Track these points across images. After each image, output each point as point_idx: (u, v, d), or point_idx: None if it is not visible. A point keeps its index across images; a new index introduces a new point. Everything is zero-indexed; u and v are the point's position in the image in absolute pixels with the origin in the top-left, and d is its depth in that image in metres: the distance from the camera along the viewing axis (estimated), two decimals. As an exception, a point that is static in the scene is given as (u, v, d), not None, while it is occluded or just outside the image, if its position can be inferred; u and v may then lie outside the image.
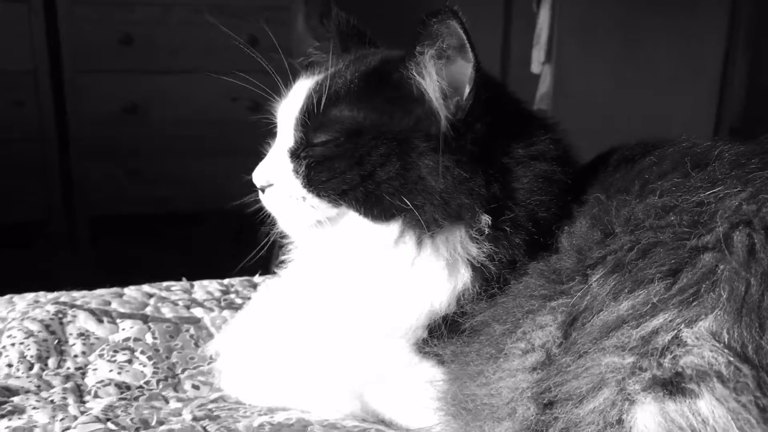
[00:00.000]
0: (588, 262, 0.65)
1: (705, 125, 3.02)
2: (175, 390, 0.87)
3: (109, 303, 1.00)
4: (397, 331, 0.75)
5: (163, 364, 0.90)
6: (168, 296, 1.05)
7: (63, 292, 1.02)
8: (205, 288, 1.09)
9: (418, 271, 0.73)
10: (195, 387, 0.87)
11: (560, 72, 2.76)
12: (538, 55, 2.80)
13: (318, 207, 0.75)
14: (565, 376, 0.60)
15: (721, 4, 3.04)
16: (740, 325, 0.54)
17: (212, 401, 0.84)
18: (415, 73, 0.71)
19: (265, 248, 0.84)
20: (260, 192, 0.79)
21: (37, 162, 2.46)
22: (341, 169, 0.73)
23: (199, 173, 2.60)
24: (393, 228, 0.73)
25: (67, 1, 2.40)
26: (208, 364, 0.92)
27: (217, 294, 1.08)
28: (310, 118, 0.75)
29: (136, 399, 0.83)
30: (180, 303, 1.03)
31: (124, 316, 0.97)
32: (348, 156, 0.72)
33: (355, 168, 0.72)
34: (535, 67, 2.85)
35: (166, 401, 0.84)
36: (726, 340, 0.53)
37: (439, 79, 0.70)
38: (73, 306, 0.97)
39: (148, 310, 1.00)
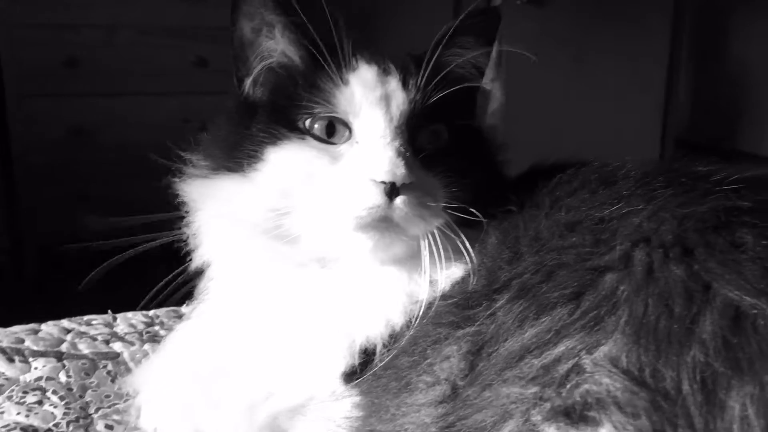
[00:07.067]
0: (495, 286, 0.63)
1: (652, 136, 3.07)
2: (86, 431, 0.82)
3: (23, 341, 0.95)
4: (332, 359, 0.71)
5: (76, 404, 0.86)
6: (87, 331, 1.00)
7: (-27, 331, 0.97)
8: (129, 320, 1.05)
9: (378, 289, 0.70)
10: (108, 427, 0.83)
11: (510, 88, 2.78)
12: (488, 72, 2.82)
13: None
14: (470, 409, 0.58)
15: (664, 18, 3.11)
16: (638, 349, 0.52)
17: (125, 442, 0.80)
18: None
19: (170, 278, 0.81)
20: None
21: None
22: None
23: (151, 197, 2.53)
24: None
25: (7, 24, 2.34)
26: (125, 401, 0.87)
27: (141, 327, 1.04)
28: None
29: (41, 443, 0.79)
30: (99, 338, 0.99)
31: (37, 354, 0.93)
32: None
33: None
34: (487, 84, 2.87)
35: (75, 444, 0.80)
36: (624, 364, 0.52)
37: None
38: (-18, 345, 0.93)
39: (64, 347, 0.96)
